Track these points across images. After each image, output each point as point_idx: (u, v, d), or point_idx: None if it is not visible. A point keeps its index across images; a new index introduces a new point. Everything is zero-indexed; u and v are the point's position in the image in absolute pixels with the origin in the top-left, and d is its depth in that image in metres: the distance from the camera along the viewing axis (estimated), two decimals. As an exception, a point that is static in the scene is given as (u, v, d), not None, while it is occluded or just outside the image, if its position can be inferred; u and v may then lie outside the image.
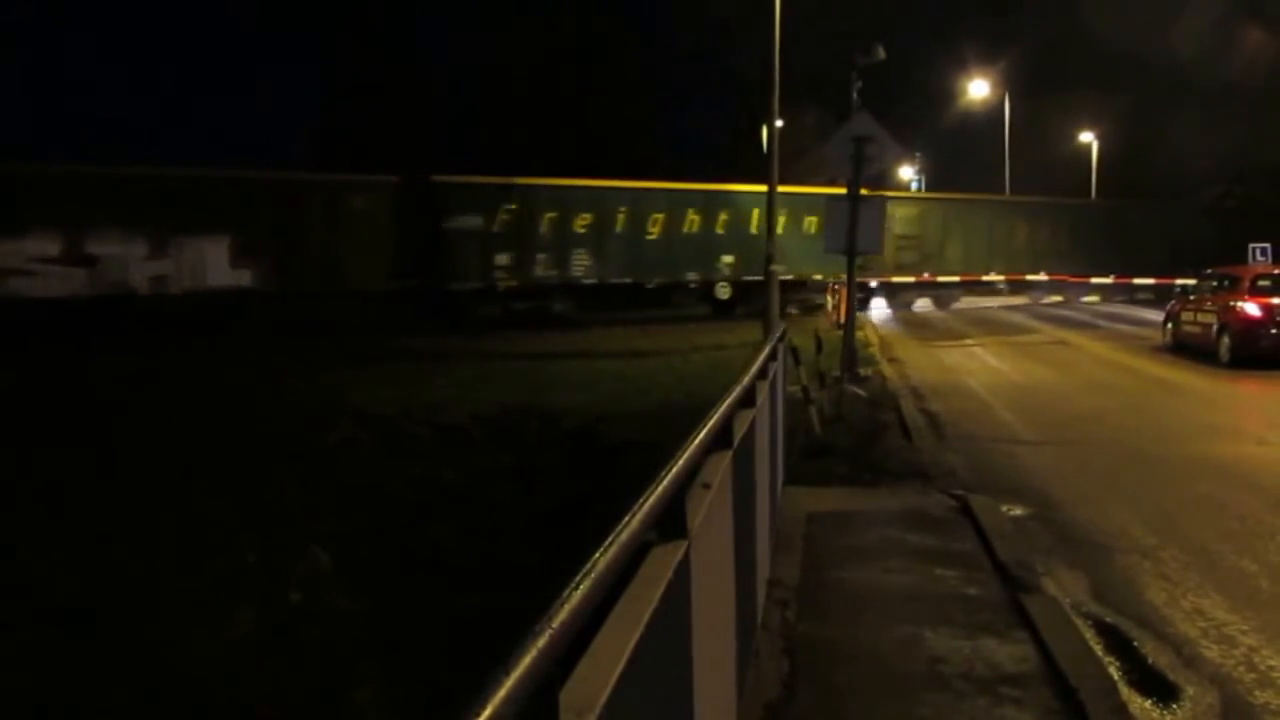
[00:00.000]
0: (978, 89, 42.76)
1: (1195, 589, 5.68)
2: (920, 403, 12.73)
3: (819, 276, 29.49)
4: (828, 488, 8.13)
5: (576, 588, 1.57)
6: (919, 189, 59.46)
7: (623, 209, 28.61)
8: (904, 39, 40.82)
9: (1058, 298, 35.40)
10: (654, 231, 28.95)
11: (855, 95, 18.55)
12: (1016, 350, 19.55)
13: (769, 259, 16.82)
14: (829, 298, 27.84)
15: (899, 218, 32.17)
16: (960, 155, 51.98)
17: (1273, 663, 4.64)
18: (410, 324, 23.68)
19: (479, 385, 13.94)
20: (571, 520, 6.30)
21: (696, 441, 2.80)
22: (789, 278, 26.21)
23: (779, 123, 16.52)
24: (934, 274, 33.39)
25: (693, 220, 29.31)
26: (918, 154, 61.64)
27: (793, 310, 26.75)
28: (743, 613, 3.92)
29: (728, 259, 29.49)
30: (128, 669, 4.62)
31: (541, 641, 1.38)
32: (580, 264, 28.16)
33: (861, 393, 12.75)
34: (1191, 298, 18.02)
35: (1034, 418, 11.76)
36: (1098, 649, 4.86)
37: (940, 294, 33.97)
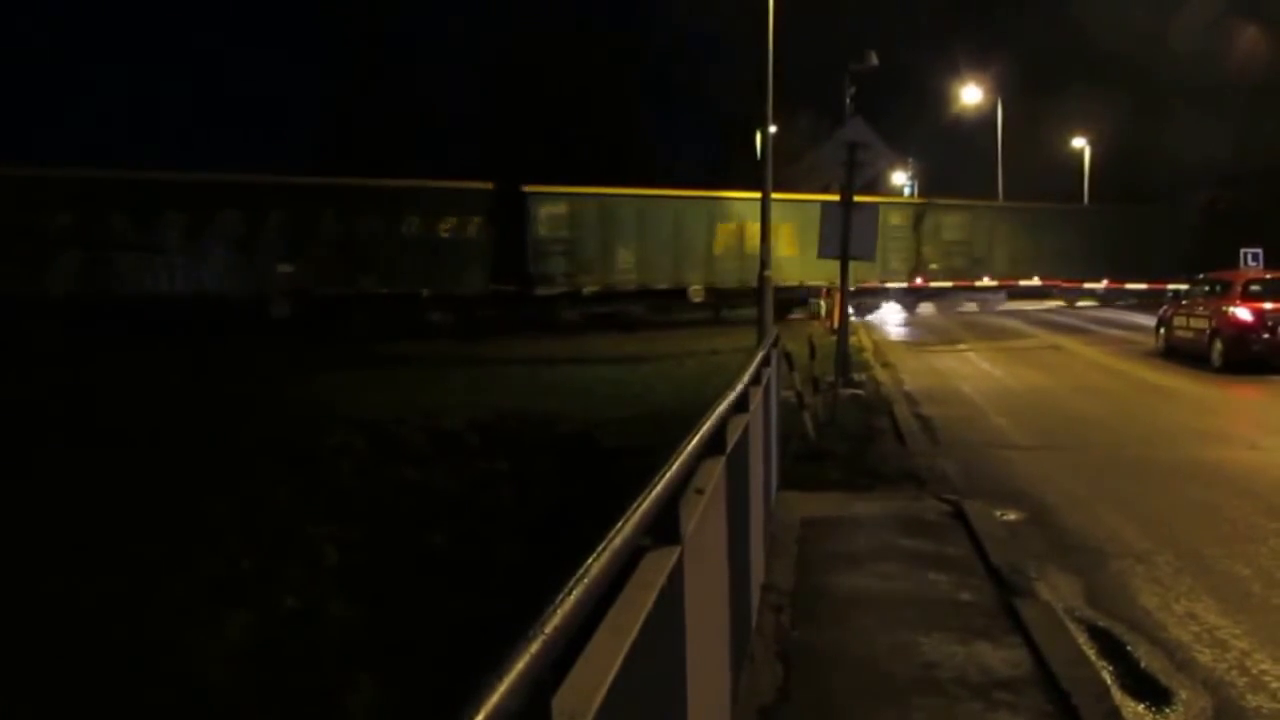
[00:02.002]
0: (971, 94, 42.85)
1: (1188, 593, 5.69)
2: (914, 408, 12.75)
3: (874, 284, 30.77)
4: (822, 492, 8.14)
5: (570, 593, 1.58)
6: (911, 194, 59.58)
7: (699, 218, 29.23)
8: (898, 45, 40.91)
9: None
10: (724, 240, 29.53)
11: (849, 101, 18.65)
12: (1009, 355, 19.59)
13: (763, 264, 16.86)
14: (822, 303, 27.88)
15: (948, 224, 33.35)
16: (955, 160, 52.06)
17: (1265, 667, 4.66)
18: (503, 327, 24.84)
19: (475, 391, 13.93)
20: (565, 526, 6.30)
21: (690, 447, 2.81)
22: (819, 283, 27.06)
23: (772, 128, 16.58)
24: (977, 279, 34.00)
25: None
26: (910, 159, 61.75)
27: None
28: (736, 618, 3.92)
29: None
30: (122, 673, 4.61)
31: (535, 646, 1.39)
32: (659, 270, 28.81)
33: (860, 392, 12.78)
34: (1184, 302, 18.07)
35: (1027, 422, 11.79)
36: (1091, 653, 4.86)
37: (986, 298, 34.59)
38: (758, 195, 29.28)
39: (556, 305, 27.45)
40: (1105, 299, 35.72)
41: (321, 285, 24.58)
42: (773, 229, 27.40)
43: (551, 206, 27.84)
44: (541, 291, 27.34)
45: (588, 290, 27.89)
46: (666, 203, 29.31)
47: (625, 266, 28.49)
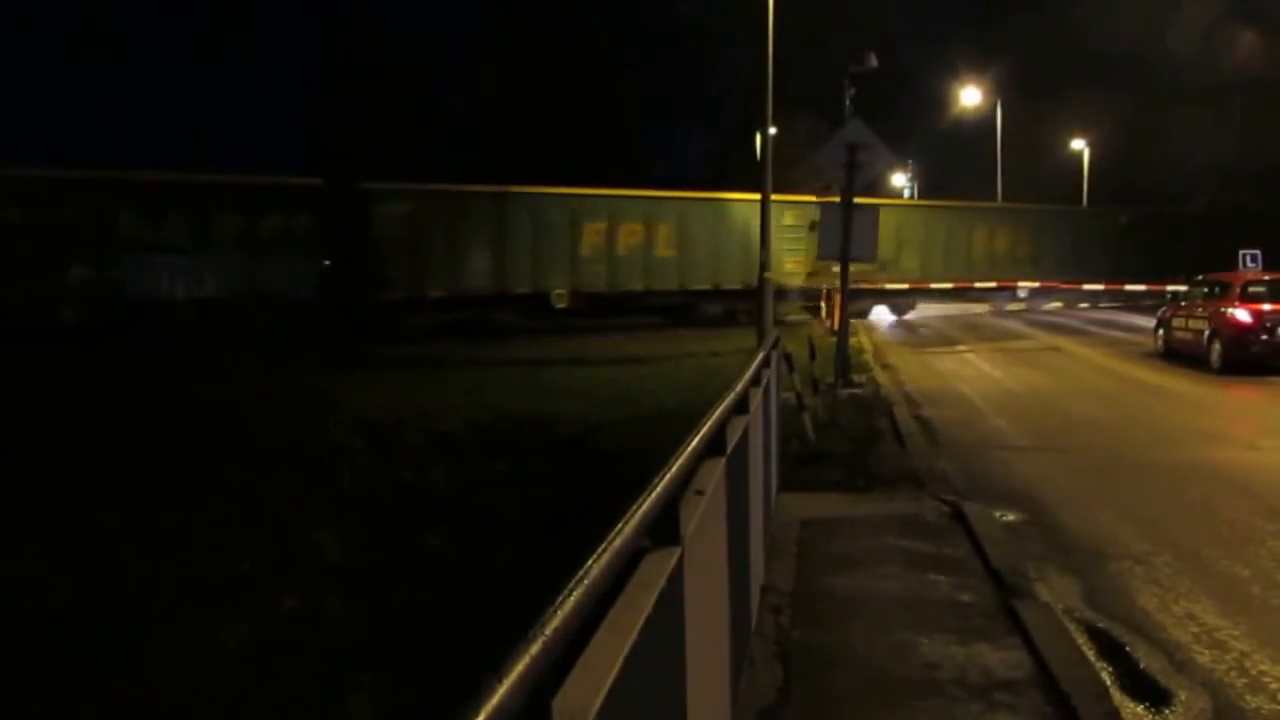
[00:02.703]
0: (970, 96, 42.91)
1: (1187, 594, 5.69)
2: (913, 409, 12.75)
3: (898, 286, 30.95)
4: (821, 494, 8.14)
5: (570, 594, 1.58)
6: (911, 196, 59.65)
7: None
8: (897, 47, 40.96)
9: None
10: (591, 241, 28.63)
11: (848, 103, 18.67)
12: (1008, 356, 19.59)
13: (762, 266, 16.87)
14: (822, 304, 27.81)
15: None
16: (955, 162, 52.14)
17: (1264, 667, 4.66)
18: (335, 335, 23.37)
19: (473, 392, 13.93)
20: (565, 527, 6.30)
21: (690, 448, 2.81)
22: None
23: (772, 130, 16.59)
24: (881, 282, 32.63)
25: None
26: (910, 161, 61.85)
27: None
28: (736, 619, 3.92)
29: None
30: (121, 676, 4.61)
31: (535, 648, 1.39)
32: (518, 273, 27.50)
33: (859, 391, 12.79)
34: (1183, 304, 18.09)
35: (1026, 424, 11.79)
36: (1090, 654, 4.87)
37: (897, 302, 33.52)
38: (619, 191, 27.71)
39: (397, 311, 25.30)
40: (1030, 301, 35.21)
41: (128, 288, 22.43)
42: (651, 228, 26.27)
43: (392, 205, 26.00)
44: (383, 297, 25.37)
45: (434, 295, 26.08)
46: (523, 200, 27.29)
47: (479, 270, 26.59)
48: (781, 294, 28.89)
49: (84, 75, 70.44)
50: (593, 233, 27.70)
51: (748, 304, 23.81)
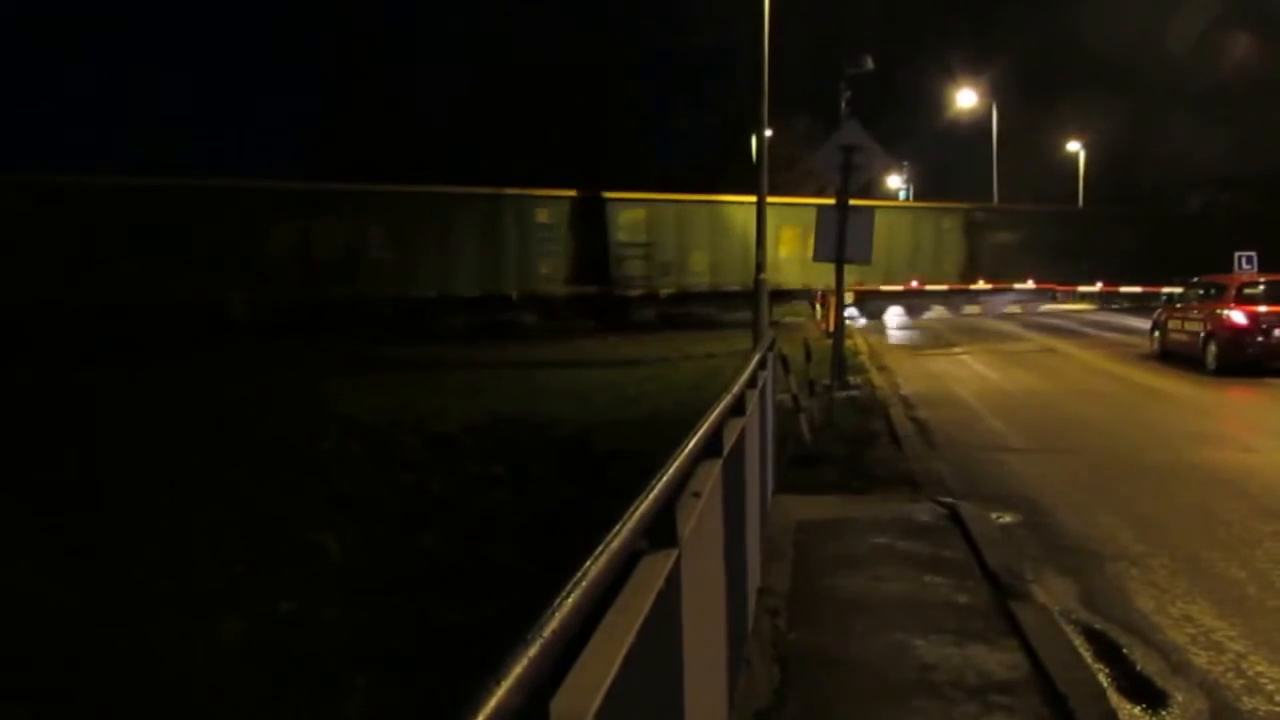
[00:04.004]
0: (966, 98, 43.00)
1: (1183, 596, 5.70)
2: (909, 411, 12.76)
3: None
4: (818, 495, 8.14)
5: (567, 596, 1.58)
6: (906, 198, 59.71)
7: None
8: (894, 49, 40.92)
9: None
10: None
11: (844, 104, 18.70)
12: (1004, 358, 19.62)
13: (758, 268, 16.87)
14: (816, 307, 27.78)
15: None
16: (951, 163, 52.25)
17: (1260, 669, 4.66)
18: (586, 325, 25.35)
19: (470, 394, 13.92)
20: (562, 529, 6.29)
21: (687, 450, 2.81)
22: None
23: (768, 132, 16.61)
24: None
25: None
26: (905, 163, 61.93)
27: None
28: (733, 621, 3.92)
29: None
30: (113, 678, 4.59)
31: (532, 650, 1.39)
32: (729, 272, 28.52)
33: (855, 393, 12.79)
34: (1178, 305, 18.13)
35: (1022, 425, 11.80)
36: (1087, 656, 4.87)
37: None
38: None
39: (633, 305, 27.26)
40: (949, 302, 34.95)
41: None
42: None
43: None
44: (619, 292, 26.95)
45: (664, 293, 27.46)
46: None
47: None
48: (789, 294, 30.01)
49: (62, 78, 70.08)
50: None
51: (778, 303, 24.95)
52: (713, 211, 29.76)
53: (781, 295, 28.02)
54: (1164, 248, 34.05)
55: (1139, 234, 36.05)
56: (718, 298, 29.03)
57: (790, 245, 29.11)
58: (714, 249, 29.49)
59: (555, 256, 27.70)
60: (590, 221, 28.15)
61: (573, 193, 28.24)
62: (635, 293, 28.66)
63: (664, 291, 28.99)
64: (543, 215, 27.57)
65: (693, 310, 28.64)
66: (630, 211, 28.94)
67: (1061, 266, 34.61)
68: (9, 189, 22.15)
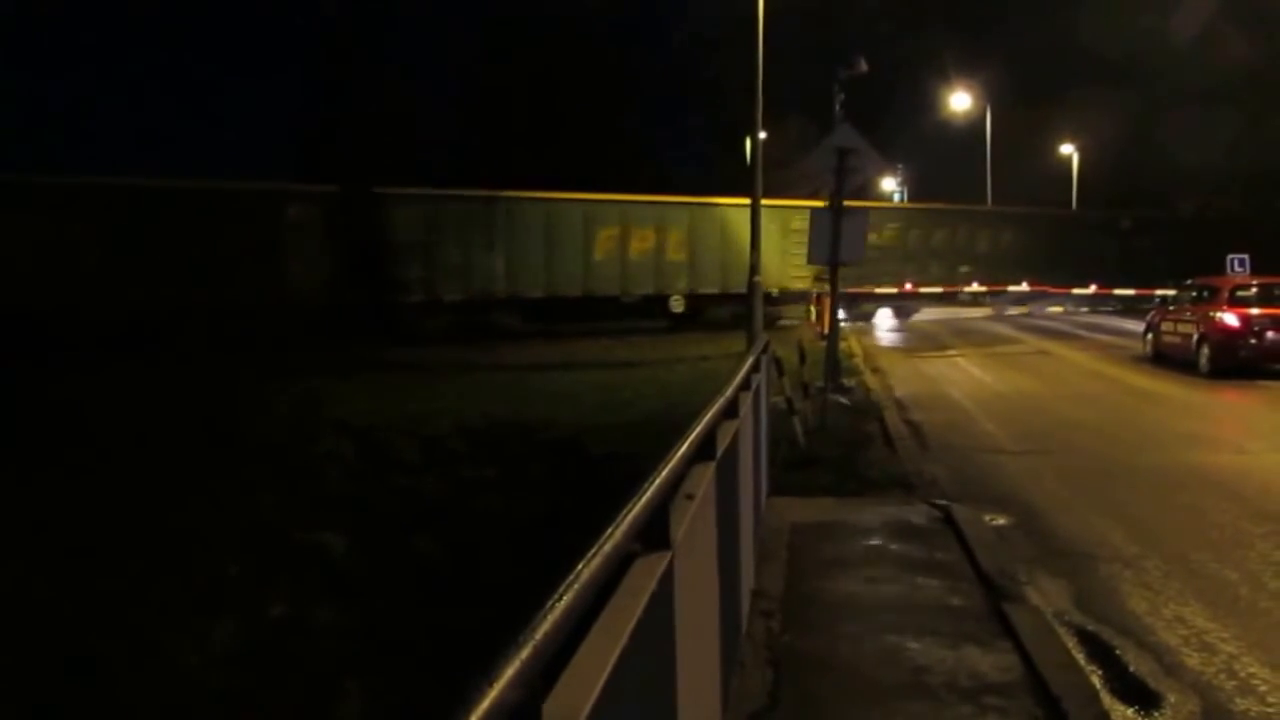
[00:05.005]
0: (960, 100, 43.07)
1: (1176, 597, 5.71)
2: (903, 413, 12.78)
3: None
4: (812, 498, 8.14)
5: (560, 598, 1.58)
6: (901, 200, 59.83)
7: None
8: (889, 51, 40.99)
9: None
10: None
11: (838, 107, 18.69)
12: (998, 361, 19.65)
13: (753, 270, 16.89)
14: (811, 308, 27.79)
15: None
16: (945, 166, 52.30)
17: (1253, 670, 4.68)
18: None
19: (463, 397, 13.90)
20: (555, 532, 6.29)
21: (680, 453, 2.81)
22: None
23: (762, 134, 16.62)
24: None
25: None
26: (899, 165, 62.06)
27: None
28: (726, 623, 3.92)
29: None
30: (107, 682, 4.58)
31: (525, 652, 1.39)
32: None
33: (845, 401, 12.80)
34: (1171, 308, 18.18)
35: (1016, 427, 11.82)
36: (1080, 657, 4.88)
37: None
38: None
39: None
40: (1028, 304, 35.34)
41: None
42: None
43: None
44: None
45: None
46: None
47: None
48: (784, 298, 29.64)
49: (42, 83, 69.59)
50: (606, 239, 27.97)
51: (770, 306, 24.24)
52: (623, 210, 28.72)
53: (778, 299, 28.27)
54: (1155, 251, 34.22)
55: (1127, 238, 36.23)
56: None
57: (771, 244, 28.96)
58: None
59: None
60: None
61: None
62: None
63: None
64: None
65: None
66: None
67: (1058, 269, 34.69)
68: None
